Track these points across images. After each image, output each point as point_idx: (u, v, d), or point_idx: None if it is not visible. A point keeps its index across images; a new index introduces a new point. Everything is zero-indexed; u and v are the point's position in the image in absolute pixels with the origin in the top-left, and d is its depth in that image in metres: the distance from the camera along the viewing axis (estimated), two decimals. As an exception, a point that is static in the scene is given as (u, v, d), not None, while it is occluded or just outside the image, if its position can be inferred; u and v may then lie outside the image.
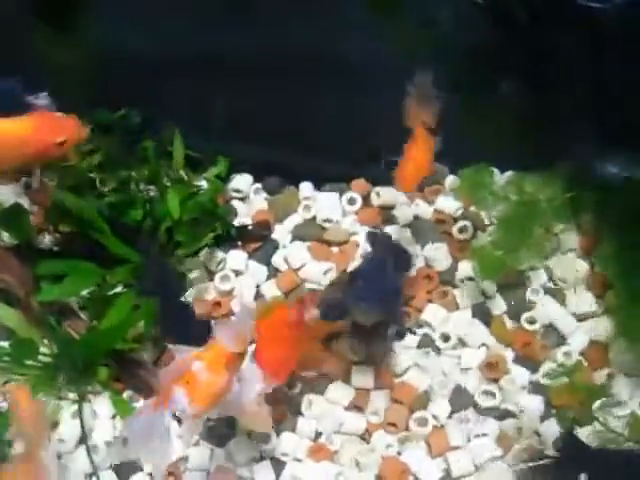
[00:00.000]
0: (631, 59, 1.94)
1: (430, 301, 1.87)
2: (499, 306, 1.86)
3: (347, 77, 1.96)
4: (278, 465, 1.71)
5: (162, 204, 1.83)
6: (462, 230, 1.93)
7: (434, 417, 1.74)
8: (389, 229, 1.94)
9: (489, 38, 1.99)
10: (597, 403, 1.67)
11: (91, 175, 1.83)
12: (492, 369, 1.78)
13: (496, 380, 1.78)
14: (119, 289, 1.79)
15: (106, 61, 1.91)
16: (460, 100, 1.98)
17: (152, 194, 1.85)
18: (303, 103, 1.96)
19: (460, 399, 1.77)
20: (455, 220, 1.94)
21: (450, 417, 1.76)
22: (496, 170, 1.96)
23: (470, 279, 1.87)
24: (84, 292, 1.78)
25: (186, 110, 1.93)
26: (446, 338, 1.82)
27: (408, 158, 1.71)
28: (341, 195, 1.98)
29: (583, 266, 1.89)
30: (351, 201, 1.97)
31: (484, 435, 1.73)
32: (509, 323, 1.85)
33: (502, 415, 1.75)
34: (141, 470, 1.70)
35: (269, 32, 1.94)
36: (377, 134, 1.98)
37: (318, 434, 1.74)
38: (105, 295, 1.78)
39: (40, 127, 1.52)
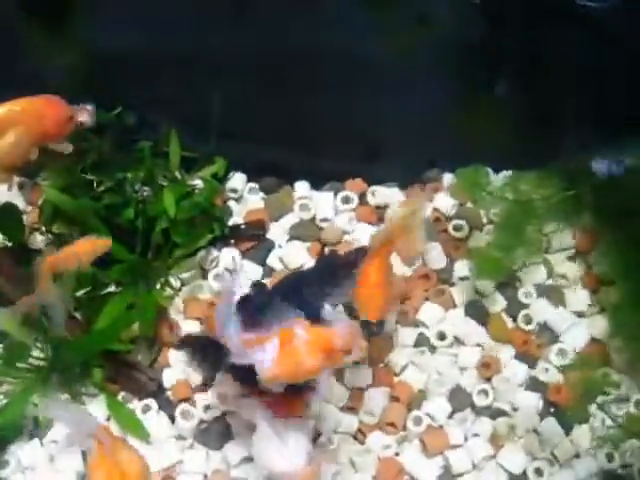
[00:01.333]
0: (628, 57, 1.94)
1: (427, 299, 1.86)
2: (497, 304, 1.85)
3: (344, 75, 1.95)
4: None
5: (157, 204, 1.81)
6: (457, 228, 1.92)
7: (430, 416, 1.73)
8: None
9: (486, 37, 1.99)
10: (599, 399, 1.66)
11: (85, 175, 1.81)
12: (487, 368, 1.78)
13: (490, 379, 1.77)
14: (112, 289, 1.78)
15: (101, 60, 1.90)
16: (457, 99, 1.98)
17: (146, 194, 1.84)
18: (300, 102, 1.95)
19: (459, 398, 1.76)
20: (450, 219, 1.93)
21: (451, 417, 1.75)
22: (492, 169, 1.97)
23: (467, 278, 1.86)
24: (78, 293, 1.77)
25: (181, 109, 1.92)
26: (442, 337, 1.81)
27: (365, 284, 1.51)
28: (336, 194, 1.96)
29: (581, 264, 1.89)
30: (346, 200, 1.95)
31: (479, 435, 1.73)
32: (507, 321, 1.84)
33: (496, 414, 1.75)
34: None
35: (265, 30, 1.93)
36: (374, 132, 1.98)
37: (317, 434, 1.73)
38: (99, 295, 1.76)
39: (50, 103, 1.56)
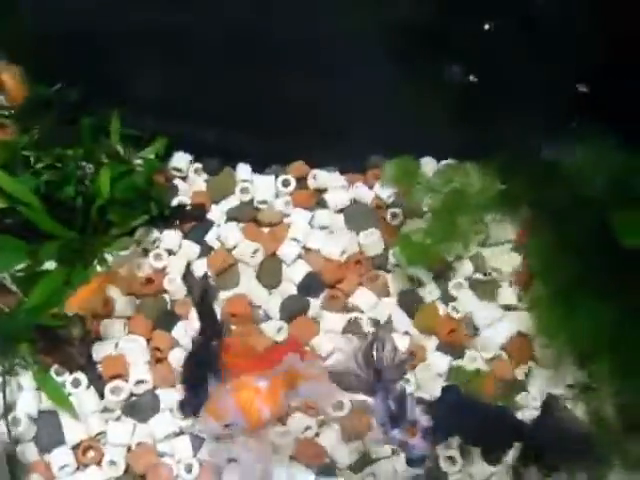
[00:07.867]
0: (580, 45, 1.89)
1: (361, 284, 1.88)
2: (428, 293, 1.87)
3: (290, 57, 1.94)
4: (197, 441, 1.75)
5: (96, 182, 1.84)
6: (394, 216, 1.93)
7: (351, 402, 1.76)
8: (321, 213, 1.95)
9: (434, 20, 1.95)
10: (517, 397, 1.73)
11: (26, 152, 1.84)
12: (413, 356, 1.79)
13: (414, 367, 1.79)
14: (50, 264, 1.82)
15: (46, 34, 1.90)
16: (403, 85, 1.96)
17: (88, 171, 1.86)
18: (245, 83, 1.95)
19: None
20: (388, 206, 1.94)
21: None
22: (435, 158, 1.97)
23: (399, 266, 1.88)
24: (15, 268, 1.81)
25: (126, 88, 1.93)
26: (375, 323, 1.84)
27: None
28: (277, 177, 1.98)
29: (515, 258, 1.89)
30: (285, 183, 1.97)
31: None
32: (436, 311, 1.85)
33: (418, 403, 1.76)
34: (63, 443, 1.75)
35: (212, 8, 1.91)
36: (319, 116, 1.97)
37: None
38: (36, 271, 1.81)
39: None
